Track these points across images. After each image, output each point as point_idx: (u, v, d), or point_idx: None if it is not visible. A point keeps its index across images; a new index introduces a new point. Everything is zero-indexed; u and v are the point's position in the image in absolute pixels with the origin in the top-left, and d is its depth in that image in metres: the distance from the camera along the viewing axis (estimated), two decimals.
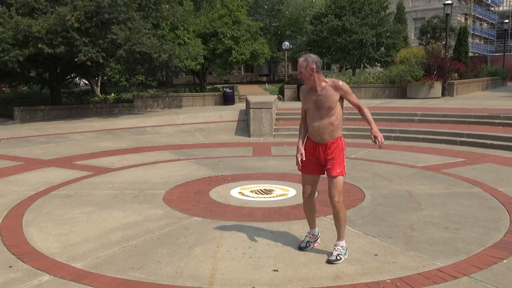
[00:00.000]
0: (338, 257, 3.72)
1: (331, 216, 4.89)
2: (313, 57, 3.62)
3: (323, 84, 3.64)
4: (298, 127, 4.06)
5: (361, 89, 19.78)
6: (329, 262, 3.71)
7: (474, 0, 44.68)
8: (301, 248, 3.98)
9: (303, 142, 3.91)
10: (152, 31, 16.39)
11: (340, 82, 3.64)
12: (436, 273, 3.47)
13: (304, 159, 3.81)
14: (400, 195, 5.79)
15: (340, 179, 3.69)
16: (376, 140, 3.62)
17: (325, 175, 3.82)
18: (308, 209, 4.00)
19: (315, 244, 4.06)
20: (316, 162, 3.78)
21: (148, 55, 15.27)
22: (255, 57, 27.65)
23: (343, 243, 3.82)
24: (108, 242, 4.28)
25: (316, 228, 4.10)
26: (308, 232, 4.08)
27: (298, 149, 3.86)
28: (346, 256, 3.77)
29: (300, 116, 3.98)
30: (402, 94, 19.00)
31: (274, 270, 3.59)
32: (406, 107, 14.59)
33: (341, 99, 3.70)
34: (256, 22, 29.04)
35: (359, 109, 3.74)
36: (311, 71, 3.59)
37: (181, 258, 3.87)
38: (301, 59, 3.63)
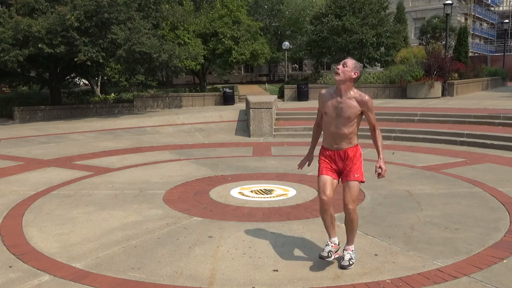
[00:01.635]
0: (351, 261, 3.64)
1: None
2: (360, 65, 3.59)
3: (351, 93, 3.53)
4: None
5: (361, 89, 19.53)
6: (342, 267, 3.61)
7: (474, 0, 44.66)
8: (321, 257, 3.60)
9: (314, 148, 3.93)
10: (152, 31, 16.39)
11: (367, 97, 3.55)
12: (436, 273, 3.47)
13: (309, 165, 3.91)
14: (400, 195, 5.79)
15: (356, 185, 3.57)
16: (379, 171, 3.57)
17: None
18: (327, 219, 3.69)
19: (336, 255, 3.73)
20: (332, 168, 3.66)
21: (148, 55, 15.27)
22: (255, 57, 27.60)
23: (352, 247, 3.74)
24: (108, 242, 4.28)
25: (337, 237, 3.78)
26: (330, 241, 3.72)
27: (308, 154, 3.92)
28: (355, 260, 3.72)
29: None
30: (402, 94, 19.00)
31: (274, 270, 3.59)
32: (406, 107, 14.59)
33: (361, 114, 3.58)
34: (256, 22, 28.99)
35: (373, 130, 3.66)
36: (354, 75, 3.49)
37: (181, 258, 3.87)
38: (352, 61, 3.54)
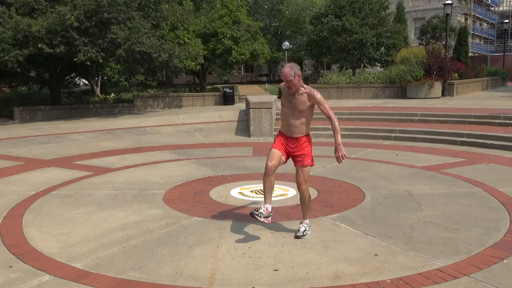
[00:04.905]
0: (305, 232, 4.29)
1: (331, 216, 4.93)
2: (295, 65, 4.07)
3: (302, 90, 4.08)
4: None
5: (361, 89, 19.77)
6: (297, 237, 4.25)
7: (474, 0, 44.66)
8: (251, 215, 3.99)
9: None
10: (152, 31, 16.39)
11: (316, 92, 4.05)
12: (436, 273, 3.47)
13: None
14: (400, 195, 5.79)
15: (307, 169, 4.21)
16: (336, 153, 4.01)
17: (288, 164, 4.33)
18: (268, 182, 4.12)
19: (265, 220, 4.02)
20: (284, 148, 4.22)
21: (148, 54, 15.27)
22: (255, 57, 27.60)
23: (307, 221, 4.38)
24: (108, 242, 4.28)
25: (271, 205, 4.11)
26: (263, 206, 4.05)
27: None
28: (310, 231, 4.34)
29: None
30: (402, 94, 18.99)
31: (274, 270, 3.59)
32: (406, 107, 14.59)
33: (313, 105, 4.12)
34: (256, 22, 29.00)
35: (330, 119, 4.06)
36: (299, 78, 4.02)
37: (181, 258, 3.87)
38: (287, 69, 4.00)
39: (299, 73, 4.02)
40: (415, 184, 6.34)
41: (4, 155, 9.56)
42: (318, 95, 4.04)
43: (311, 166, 4.22)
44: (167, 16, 19.84)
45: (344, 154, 3.99)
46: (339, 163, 4.05)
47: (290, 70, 3.98)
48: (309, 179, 4.29)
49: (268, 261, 3.77)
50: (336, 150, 4.00)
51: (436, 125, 11.62)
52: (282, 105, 4.26)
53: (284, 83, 4.14)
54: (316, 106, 4.13)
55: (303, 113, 4.08)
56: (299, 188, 4.26)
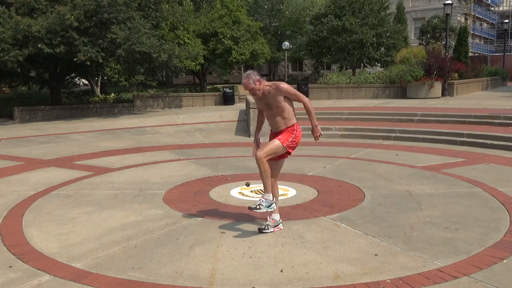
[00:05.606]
0: (258, 206, 4.21)
1: (331, 216, 4.93)
2: (252, 72, 4.22)
3: (267, 88, 4.20)
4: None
5: (361, 89, 19.77)
6: (249, 208, 4.28)
7: (474, 0, 44.66)
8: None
9: (259, 130, 4.71)
10: (151, 31, 16.39)
11: (281, 85, 4.17)
12: (436, 273, 3.47)
13: (259, 147, 4.45)
14: (400, 195, 5.79)
15: (276, 143, 4.21)
16: (314, 133, 4.22)
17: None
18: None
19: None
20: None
21: (147, 55, 15.26)
22: (255, 57, 27.54)
23: (265, 195, 4.24)
24: (108, 242, 4.28)
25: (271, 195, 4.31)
26: (264, 196, 4.25)
27: (254, 137, 4.65)
28: (268, 207, 4.23)
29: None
30: (402, 94, 19.00)
31: (274, 270, 3.59)
32: (406, 107, 14.59)
33: (286, 96, 4.21)
34: (256, 22, 28.97)
35: (303, 104, 4.19)
36: (259, 82, 4.16)
37: (181, 258, 3.87)
38: (245, 80, 4.16)
39: (257, 77, 4.17)
40: (415, 184, 6.34)
41: (4, 155, 9.56)
42: (284, 86, 4.16)
43: (282, 145, 4.20)
44: (167, 16, 19.83)
45: (321, 134, 4.27)
46: (316, 140, 4.34)
47: (247, 80, 4.14)
48: (268, 157, 4.19)
49: (268, 261, 3.77)
50: (313, 131, 4.22)
51: (436, 125, 11.62)
52: (261, 110, 4.48)
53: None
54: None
55: (279, 107, 4.20)
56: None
